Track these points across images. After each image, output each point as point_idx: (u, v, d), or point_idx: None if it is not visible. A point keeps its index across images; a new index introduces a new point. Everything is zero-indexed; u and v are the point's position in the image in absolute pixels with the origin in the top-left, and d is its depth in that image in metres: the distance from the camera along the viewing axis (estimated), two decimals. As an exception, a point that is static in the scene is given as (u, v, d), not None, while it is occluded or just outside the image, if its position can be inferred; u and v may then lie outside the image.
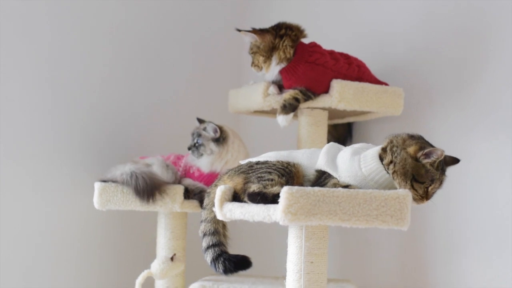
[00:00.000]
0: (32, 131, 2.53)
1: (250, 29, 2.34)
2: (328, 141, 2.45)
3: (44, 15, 2.55)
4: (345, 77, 2.33)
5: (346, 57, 2.39)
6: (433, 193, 1.78)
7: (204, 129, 2.39)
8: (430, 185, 1.75)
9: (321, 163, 1.81)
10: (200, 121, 2.47)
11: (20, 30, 2.51)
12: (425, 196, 1.76)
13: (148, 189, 2.25)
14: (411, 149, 1.75)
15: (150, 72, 2.86)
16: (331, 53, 2.37)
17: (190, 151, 2.41)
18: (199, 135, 2.38)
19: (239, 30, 2.34)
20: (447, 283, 2.43)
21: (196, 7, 3.00)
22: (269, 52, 2.32)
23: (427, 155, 1.73)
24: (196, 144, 2.38)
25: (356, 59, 2.41)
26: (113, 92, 2.74)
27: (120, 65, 2.77)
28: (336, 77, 2.30)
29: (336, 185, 1.76)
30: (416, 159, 1.74)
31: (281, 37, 2.32)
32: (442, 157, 1.74)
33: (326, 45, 2.41)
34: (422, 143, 1.77)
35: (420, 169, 1.74)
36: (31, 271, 2.53)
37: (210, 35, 2.99)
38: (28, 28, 2.52)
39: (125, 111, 2.77)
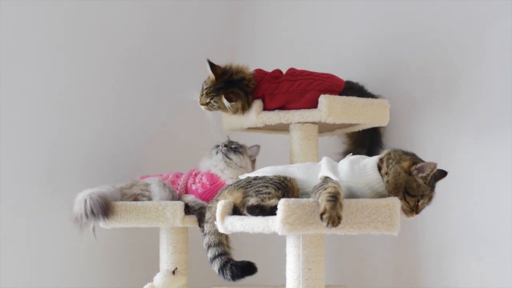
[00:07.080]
0: (35, 149, 2.60)
1: None
2: (350, 150, 2.60)
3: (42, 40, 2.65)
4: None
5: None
6: (422, 208, 1.90)
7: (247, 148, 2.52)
8: (420, 200, 1.87)
9: (324, 171, 1.88)
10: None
11: (22, 53, 2.61)
12: (415, 209, 1.88)
13: (102, 208, 2.27)
14: (405, 164, 1.87)
15: (148, 92, 2.93)
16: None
17: (223, 148, 2.45)
18: (241, 146, 2.49)
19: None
20: (440, 287, 2.47)
21: (192, 24, 3.08)
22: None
23: (419, 170, 1.85)
24: (235, 149, 2.46)
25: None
26: (114, 114, 2.82)
27: (119, 86, 2.85)
28: None
29: (325, 181, 1.84)
30: (409, 173, 1.86)
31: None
32: (435, 170, 1.85)
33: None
34: (416, 159, 1.91)
35: (412, 183, 1.86)
36: (34, 284, 2.57)
37: (205, 55, 3.07)
38: (31, 50, 2.63)
39: (125, 132, 2.84)
